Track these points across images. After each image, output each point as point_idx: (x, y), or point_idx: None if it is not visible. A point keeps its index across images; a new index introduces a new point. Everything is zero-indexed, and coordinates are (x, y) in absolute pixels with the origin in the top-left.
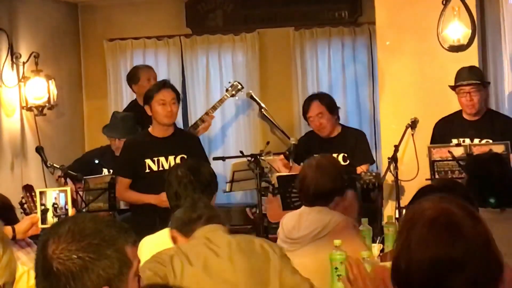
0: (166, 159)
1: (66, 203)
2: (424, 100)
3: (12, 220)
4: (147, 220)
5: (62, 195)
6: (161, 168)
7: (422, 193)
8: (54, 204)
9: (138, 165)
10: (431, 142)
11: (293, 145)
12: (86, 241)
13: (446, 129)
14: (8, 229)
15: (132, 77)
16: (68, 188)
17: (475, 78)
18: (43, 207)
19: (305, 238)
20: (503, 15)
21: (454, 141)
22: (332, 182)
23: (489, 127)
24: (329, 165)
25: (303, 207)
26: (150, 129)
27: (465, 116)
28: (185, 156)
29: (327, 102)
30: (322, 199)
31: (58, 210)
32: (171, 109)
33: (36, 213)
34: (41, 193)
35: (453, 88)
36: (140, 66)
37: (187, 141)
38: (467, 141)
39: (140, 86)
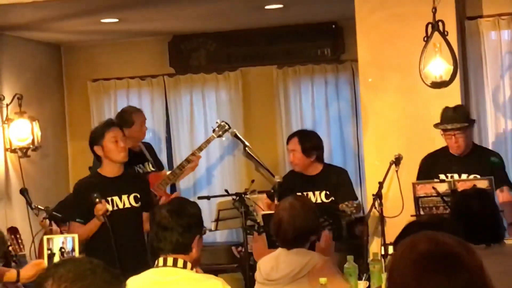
0: (120, 198)
1: (73, 248)
2: (407, 136)
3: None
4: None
5: (69, 239)
6: (115, 208)
7: (408, 229)
8: (61, 248)
9: (91, 207)
10: (417, 178)
11: (278, 183)
12: (88, 281)
13: (433, 164)
14: (12, 272)
15: (126, 121)
16: (76, 235)
17: (459, 120)
18: (49, 251)
19: (284, 278)
20: (485, 50)
21: (441, 176)
22: (308, 222)
23: (476, 162)
24: (303, 206)
25: (280, 249)
26: (99, 170)
27: (452, 151)
28: (138, 195)
29: (305, 142)
30: (300, 241)
31: (65, 255)
32: (124, 145)
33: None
34: (48, 239)
35: (437, 127)
36: (133, 110)
37: (137, 180)
38: (455, 176)
39: (133, 130)
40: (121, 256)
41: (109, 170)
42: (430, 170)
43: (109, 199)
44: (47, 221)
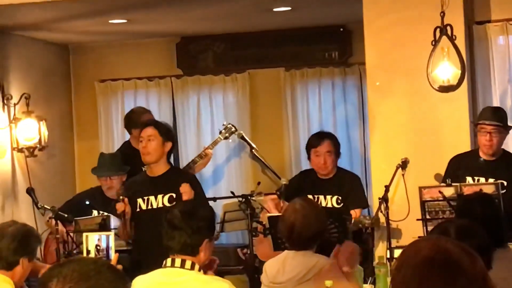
0: (156, 198)
1: (107, 245)
2: (414, 140)
3: (30, 251)
4: (145, 258)
5: (104, 237)
6: (149, 207)
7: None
8: (96, 245)
9: (132, 204)
10: (444, 177)
11: (284, 185)
12: (92, 281)
13: (461, 166)
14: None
15: (134, 122)
16: (112, 233)
17: (498, 119)
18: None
19: (290, 281)
20: (493, 55)
21: (469, 179)
22: (319, 225)
23: (504, 168)
24: (313, 209)
25: (286, 251)
26: (146, 169)
27: (481, 155)
28: (174, 195)
29: (337, 145)
30: (311, 243)
31: (100, 252)
32: (145, 146)
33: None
34: (87, 236)
35: (475, 125)
36: (141, 111)
37: (179, 179)
38: (482, 180)
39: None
40: (155, 255)
41: (150, 169)
42: (455, 171)
43: (146, 198)
44: (53, 221)
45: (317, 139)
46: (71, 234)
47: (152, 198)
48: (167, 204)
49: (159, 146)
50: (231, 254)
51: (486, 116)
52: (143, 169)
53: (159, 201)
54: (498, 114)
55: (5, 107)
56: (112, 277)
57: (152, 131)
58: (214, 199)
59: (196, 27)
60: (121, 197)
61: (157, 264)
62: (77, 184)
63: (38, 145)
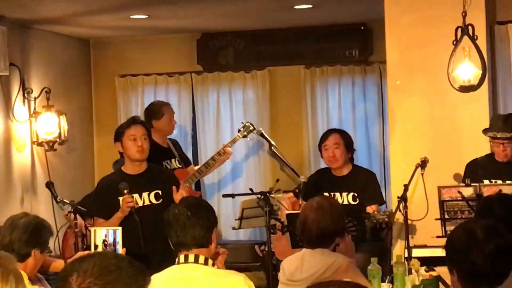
0: (140, 196)
1: (115, 240)
2: (434, 139)
3: (42, 243)
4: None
5: (111, 232)
6: (135, 205)
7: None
8: (104, 241)
9: (112, 204)
10: (463, 181)
11: (303, 183)
12: (113, 276)
13: (478, 169)
14: (60, 263)
15: (155, 113)
16: (120, 228)
17: (509, 130)
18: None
19: (308, 279)
20: None
21: (486, 182)
22: (334, 223)
23: None
24: (330, 206)
25: (304, 249)
26: (123, 168)
27: (498, 158)
28: (160, 192)
29: (346, 138)
30: (324, 241)
31: (107, 247)
32: (141, 144)
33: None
34: (95, 231)
35: (485, 133)
36: (162, 103)
37: (160, 176)
38: (499, 182)
39: (162, 123)
40: (145, 251)
41: (130, 167)
42: (474, 175)
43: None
44: (72, 215)
45: (325, 134)
46: (90, 228)
47: (136, 196)
48: (154, 201)
49: (148, 145)
50: (248, 251)
51: (497, 127)
52: (165, 165)
53: (145, 198)
54: (508, 123)
55: (26, 101)
56: (132, 272)
57: (145, 131)
58: (233, 195)
59: (217, 24)
60: (125, 191)
61: (148, 261)
62: (96, 178)
63: (57, 139)
